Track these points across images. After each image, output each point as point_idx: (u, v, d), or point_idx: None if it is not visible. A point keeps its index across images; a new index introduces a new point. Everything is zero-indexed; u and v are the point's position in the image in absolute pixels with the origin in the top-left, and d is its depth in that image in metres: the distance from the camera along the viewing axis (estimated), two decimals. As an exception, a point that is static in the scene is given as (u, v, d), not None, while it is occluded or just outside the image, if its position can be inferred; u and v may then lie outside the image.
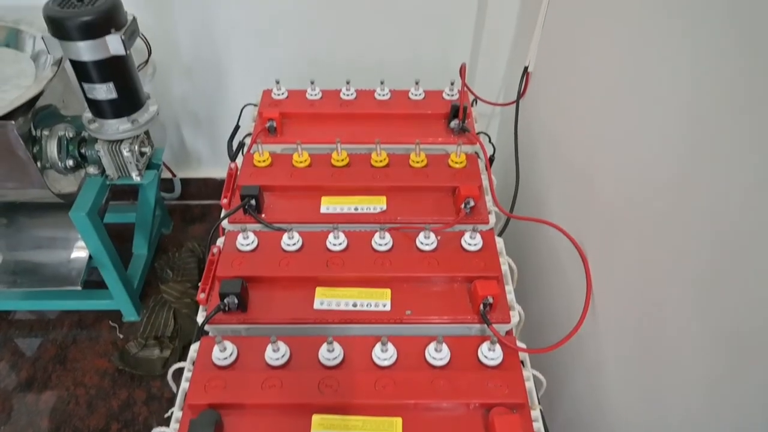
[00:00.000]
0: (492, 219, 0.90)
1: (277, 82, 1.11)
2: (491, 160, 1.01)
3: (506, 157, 1.25)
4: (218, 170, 1.59)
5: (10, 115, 1.01)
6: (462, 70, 1.07)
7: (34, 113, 1.09)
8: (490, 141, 1.10)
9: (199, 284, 0.80)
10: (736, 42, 0.49)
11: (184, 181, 1.61)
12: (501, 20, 1.22)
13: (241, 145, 1.06)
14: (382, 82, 1.11)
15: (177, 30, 1.31)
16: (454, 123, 1.02)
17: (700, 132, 0.54)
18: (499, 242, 0.85)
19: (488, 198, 0.93)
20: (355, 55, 1.34)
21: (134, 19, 1.07)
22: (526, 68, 1.07)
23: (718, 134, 0.51)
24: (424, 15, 1.27)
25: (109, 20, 1.01)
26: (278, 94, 1.11)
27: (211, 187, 1.61)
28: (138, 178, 1.21)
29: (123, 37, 1.01)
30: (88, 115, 1.15)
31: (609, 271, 0.75)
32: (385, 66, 1.35)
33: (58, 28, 0.99)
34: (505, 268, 0.82)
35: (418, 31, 1.30)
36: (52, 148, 1.12)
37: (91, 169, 1.19)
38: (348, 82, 1.10)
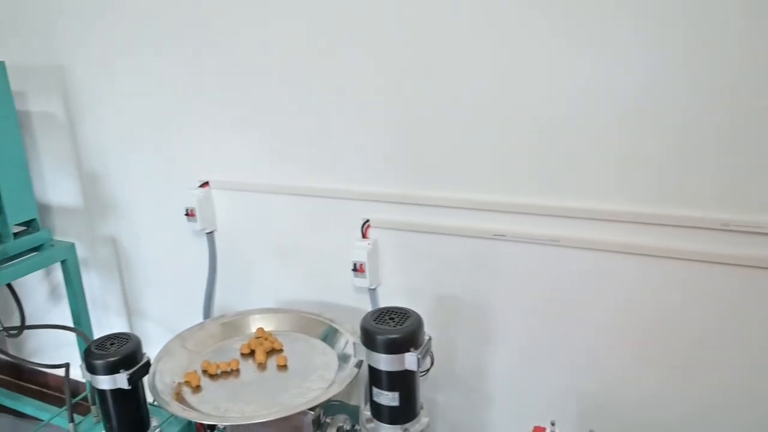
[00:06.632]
0: None
1: None
2: None
3: None
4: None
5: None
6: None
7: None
8: None
9: None
10: None
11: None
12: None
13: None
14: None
15: (454, 343, 1.42)
16: None
17: None
18: None
19: None
20: None
21: (429, 338, 1.20)
22: None
23: None
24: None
25: (411, 341, 1.14)
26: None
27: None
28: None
29: (419, 356, 1.13)
30: (367, 413, 1.24)
31: None
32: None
33: (369, 340, 1.15)
34: None
35: None
36: (329, 436, 1.23)
37: (355, 465, 1.24)
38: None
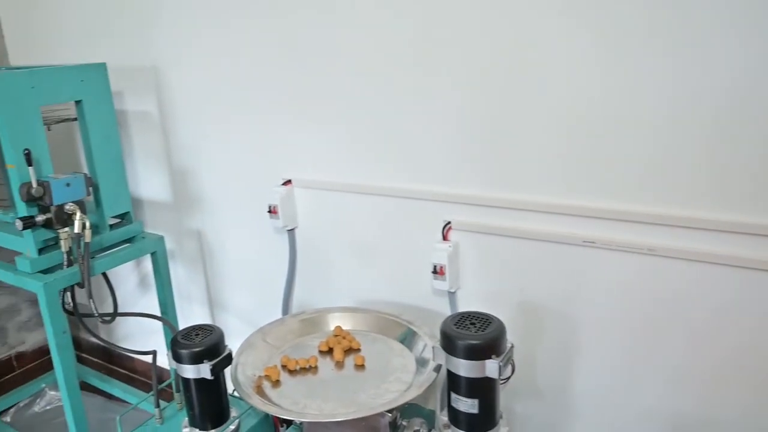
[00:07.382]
0: None
1: None
2: None
3: None
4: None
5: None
6: None
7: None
8: None
9: None
10: None
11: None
12: None
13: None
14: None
15: (536, 353, 1.37)
16: None
17: None
18: None
19: None
20: None
21: (512, 346, 1.16)
22: None
23: None
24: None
25: (493, 347, 1.11)
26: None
27: None
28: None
29: (501, 363, 1.09)
30: (443, 419, 1.22)
31: None
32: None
33: (449, 345, 1.13)
34: None
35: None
36: (406, 440, 1.21)
37: (432, 473, 1.22)
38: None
